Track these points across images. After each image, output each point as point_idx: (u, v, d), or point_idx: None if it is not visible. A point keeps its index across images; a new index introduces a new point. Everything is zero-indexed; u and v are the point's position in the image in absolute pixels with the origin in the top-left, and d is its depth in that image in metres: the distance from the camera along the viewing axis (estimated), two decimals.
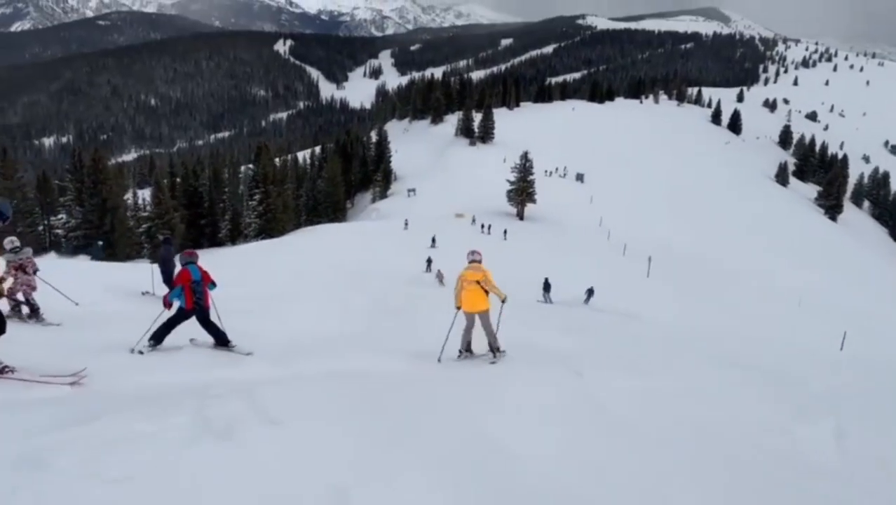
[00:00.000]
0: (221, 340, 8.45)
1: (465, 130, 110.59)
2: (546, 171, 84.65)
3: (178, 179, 60.42)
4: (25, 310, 9.43)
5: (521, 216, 64.24)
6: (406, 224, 53.04)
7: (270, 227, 56.34)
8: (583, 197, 77.58)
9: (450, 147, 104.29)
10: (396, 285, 24.54)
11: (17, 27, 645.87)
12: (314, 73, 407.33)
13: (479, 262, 8.99)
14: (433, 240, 44.15)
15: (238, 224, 61.40)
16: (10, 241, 9.73)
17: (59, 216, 51.98)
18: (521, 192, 64.10)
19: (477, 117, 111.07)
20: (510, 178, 64.99)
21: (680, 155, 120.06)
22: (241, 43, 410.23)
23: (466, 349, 9.04)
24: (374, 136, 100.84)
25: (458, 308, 8.92)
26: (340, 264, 31.57)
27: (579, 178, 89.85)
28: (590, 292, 30.97)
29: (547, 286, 29.35)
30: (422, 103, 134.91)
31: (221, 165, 69.39)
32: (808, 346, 29.56)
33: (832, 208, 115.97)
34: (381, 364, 8.40)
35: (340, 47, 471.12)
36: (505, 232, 50.83)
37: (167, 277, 12.83)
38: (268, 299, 14.06)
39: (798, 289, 49.11)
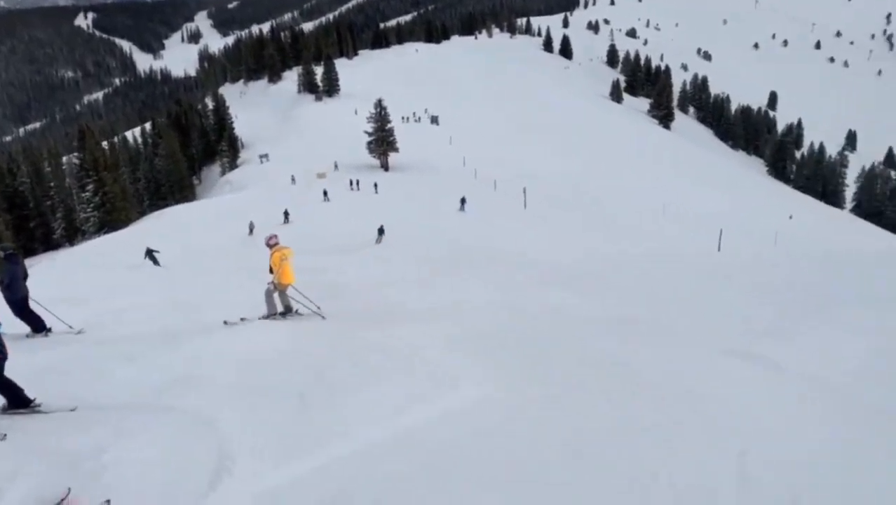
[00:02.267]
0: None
1: (308, 86, 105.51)
2: (403, 118, 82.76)
3: None
4: None
5: (385, 167, 62.26)
6: (293, 179, 54.39)
7: (112, 219, 50.37)
8: (441, 139, 76.68)
9: (296, 105, 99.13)
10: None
11: None
12: (125, 45, 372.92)
13: (275, 245, 10.27)
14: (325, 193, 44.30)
15: (73, 221, 54.52)
16: None
17: None
18: (382, 141, 61.90)
19: (318, 71, 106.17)
20: (367, 128, 62.53)
21: (523, 85, 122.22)
22: (35, 21, 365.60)
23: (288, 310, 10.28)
24: (209, 104, 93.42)
25: (285, 283, 10.04)
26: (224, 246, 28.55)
27: (434, 120, 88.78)
28: (462, 201, 39.57)
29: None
30: (255, 62, 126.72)
31: (41, 159, 60.95)
32: (694, 251, 30.93)
33: (665, 118, 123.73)
34: None
35: (150, 14, 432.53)
36: (375, 185, 48.87)
37: (19, 307, 8.83)
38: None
39: (659, 199, 51.64)
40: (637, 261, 17.38)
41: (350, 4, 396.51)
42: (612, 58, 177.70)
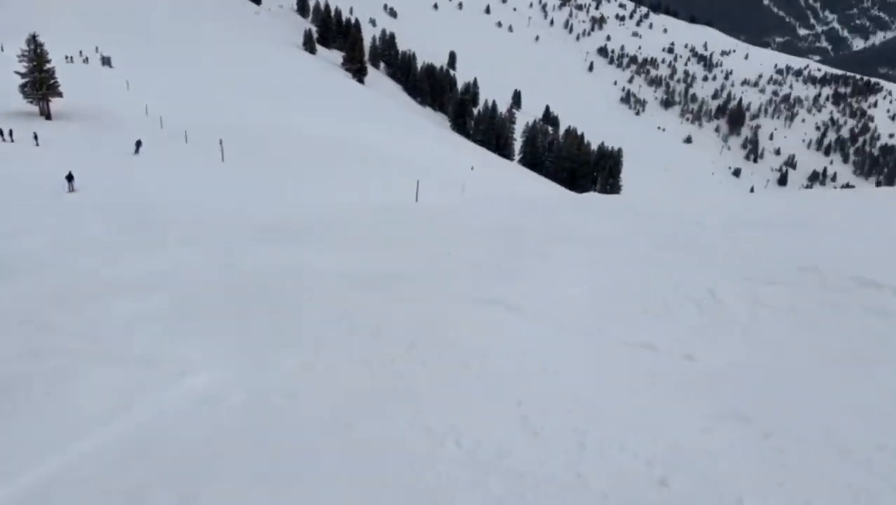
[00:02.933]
0: None
1: None
2: (66, 57, 71.25)
3: None
4: None
5: (47, 115, 53.00)
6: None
7: None
8: (116, 84, 67.95)
9: None
10: None
11: None
12: None
13: None
14: None
15: None
16: None
17: None
18: (41, 84, 52.52)
19: None
20: (20, 69, 52.50)
21: (212, 29, 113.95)
22: None
23: None
24: None
25: None
26: None
27: (106, 62, 78.06)
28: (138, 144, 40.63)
29: (70, 177, 28.07)
30: None
31: None
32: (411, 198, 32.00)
33: (358, 71, 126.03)
34: None
35: None
36: (35, 136, 41.42)
37: None
38: None
39: (366, 147, 52.65)
40: (356, 214, 17.12)
41: None
42: (302, 6, 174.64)
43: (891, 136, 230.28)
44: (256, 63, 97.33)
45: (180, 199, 24.90)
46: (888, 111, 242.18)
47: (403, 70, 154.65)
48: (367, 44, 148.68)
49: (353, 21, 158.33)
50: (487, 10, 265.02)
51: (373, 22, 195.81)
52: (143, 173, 33.28)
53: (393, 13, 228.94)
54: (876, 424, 4.76)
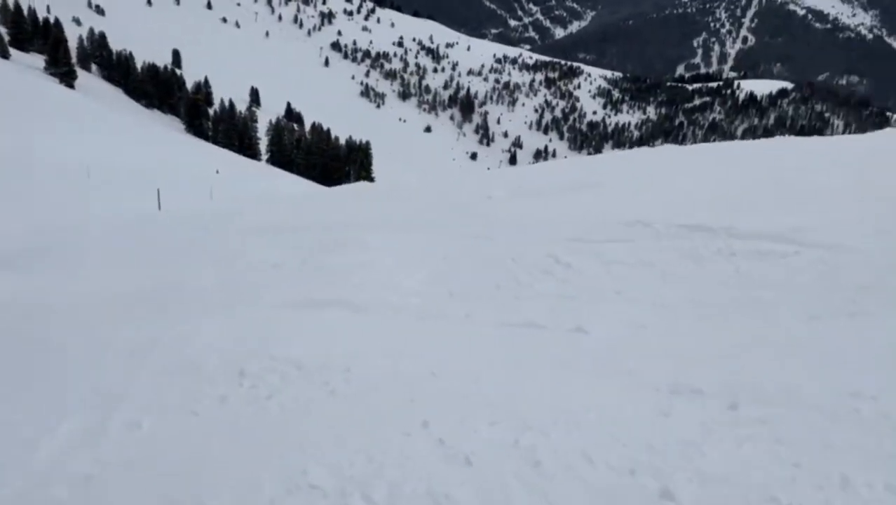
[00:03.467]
0: None
1: None
2: None
3: None
4: None
5: None
6: None
7: None
8: None
9: None
10: None
11: None
12: None
13: None
14: None
15: None
16: None
17: None
18: None
19: None
20: None
21: None
22: None
23: None
24: None
25: None
26: None
27: None
28: None
29: None
30: None
31: None
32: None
33: (66, 75, 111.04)
34: None
35: None
36: None
37: None
38: None
39: (76, 161, 45.54)
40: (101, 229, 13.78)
41: None
42: None
43: (594, 113, 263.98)
44: None
45: None
46: (589, 91, 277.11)
47: (121, 72, 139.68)
48: (73, 45, 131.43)
49: (52, 20, 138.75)
50: (209, 6, 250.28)
51: (77, 21, 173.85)
52: None
53: (100, 10, 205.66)
54: (821, 370, 4.05)
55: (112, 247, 11.60)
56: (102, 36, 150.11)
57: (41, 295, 7.95)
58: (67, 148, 52.69)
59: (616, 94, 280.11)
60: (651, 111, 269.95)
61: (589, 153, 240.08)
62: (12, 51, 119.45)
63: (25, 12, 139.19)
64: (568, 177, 14.16)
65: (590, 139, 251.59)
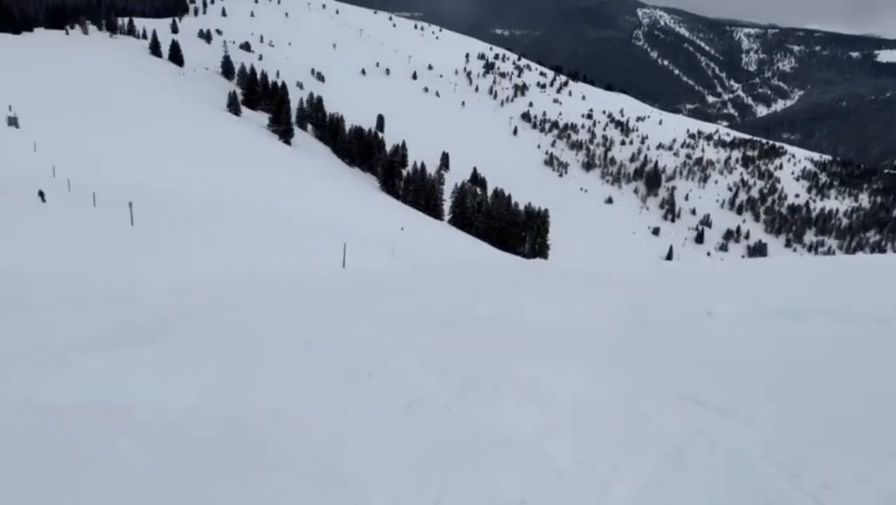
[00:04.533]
0: None
1: None
2: None
3: None
4: None
5: None
6: None
7: None
8: (23, 144, 64.09)
9: None
10: None
11: None
12: None
13: None
14: None
15: None
16: None
17: None
18: None
19: None
20: None
21: (130, 89, 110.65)
22: None
23: None
24: None
25: None
26: None
27: (13, 122, 73.88)
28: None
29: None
30: None
31: None
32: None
33: (285, 133, 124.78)
34: None
35: None
36: None
37: None
38: None
39: (283, 210, 50.73)
40: (268, 285, 15.15)
41: None
42: (227, 69, 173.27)
43: (796, 196, 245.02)
44: (177, 124, 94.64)
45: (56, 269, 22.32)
46: (792, 173, 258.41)
47: (331, 132, 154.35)
48: (293, 106, 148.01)
49: (279, 84, 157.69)
50: (414, 76, 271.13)
51: (300, 85, 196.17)
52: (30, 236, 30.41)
53: (321, 77, 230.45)
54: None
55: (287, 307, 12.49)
56: (320, 100, 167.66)
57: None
58: (278, 198, 58.90)
59: (823, 177, 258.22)
60: (864, 199, 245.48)
61: (788, 239, 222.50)
62: (244, 109, 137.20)
63: (259, 75, 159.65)
64: (834, 286, 10.79)
65: (789, 223, 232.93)
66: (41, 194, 39.50)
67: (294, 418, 5.41)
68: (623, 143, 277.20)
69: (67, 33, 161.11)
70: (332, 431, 5.15)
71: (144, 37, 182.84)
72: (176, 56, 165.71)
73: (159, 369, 7.20)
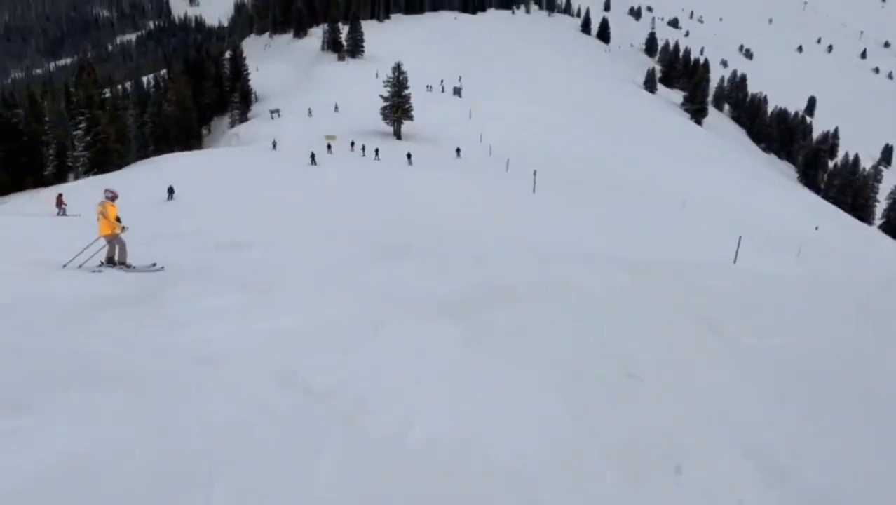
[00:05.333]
0: None
1: (333, 44, 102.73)
2: (428, 87, 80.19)
3: None
4: None
5: (398, 135, 59.76)
6: (274, 145, 49.19)
7: (103, 161, 48.10)
8: (461, 112, 73.86)
9: (317, 63, 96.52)
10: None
11: None
12: None
13: (111, 199, 10.44)
14: (312, 156, 41.79)
15: (65, 159, 52.41)
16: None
17: None
18: (397, 108, 59.31)
19: (344, 30, 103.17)
20: (383, 93, 59.90)
21: (556, 65, 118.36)
22: None
23: (108, 262, 10.41)
24: (227, 54, 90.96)
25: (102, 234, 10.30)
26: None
27: (457, 92, 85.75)
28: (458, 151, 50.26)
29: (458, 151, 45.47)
30: (282, 16, 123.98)
31: (40, 92, 58.73)
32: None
33: (697, 112, 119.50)
34: None
35: None
36: (376, 151, 46.40)
37: None
38: None
39: (677, 192, 48.74)
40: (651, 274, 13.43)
41: None
42: (650, 46, 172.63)
43: None
44: (591, 96, 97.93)
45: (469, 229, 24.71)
46: None
47: (750, 113, 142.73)
48: (712, 85, 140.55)
49: (701, 61, 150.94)
50: (864, 55, 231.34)
51: (724, 63, 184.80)
52: (461, 192, 34.52)
53: (748, 54, 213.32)
54: None
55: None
56: (743, 79, 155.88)
57: None
58: (676, 179, 56.85)
59: None
60: None
61: None
62: (660, 86, 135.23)
63: (681, 52, 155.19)
64: None
65: None
66: (458, 150, 45.22)
67: None
68: None
69: (513, 13, 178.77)
70: None
71: (578, 15, 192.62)
72: (603, 33, 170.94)
73: None
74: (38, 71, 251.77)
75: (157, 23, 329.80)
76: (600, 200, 40.86)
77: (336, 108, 67.74)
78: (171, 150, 61.81)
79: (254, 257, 11.72)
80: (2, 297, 7.04)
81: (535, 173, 41.85)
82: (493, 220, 27.58)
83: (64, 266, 9.73)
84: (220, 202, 27.53)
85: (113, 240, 10.26)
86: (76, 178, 48.11)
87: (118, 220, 10.26)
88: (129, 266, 10.23)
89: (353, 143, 49.71)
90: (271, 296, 7.80)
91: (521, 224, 27.72)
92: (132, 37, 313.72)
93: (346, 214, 24.90)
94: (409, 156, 44.97)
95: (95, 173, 45.10)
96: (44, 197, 32.57)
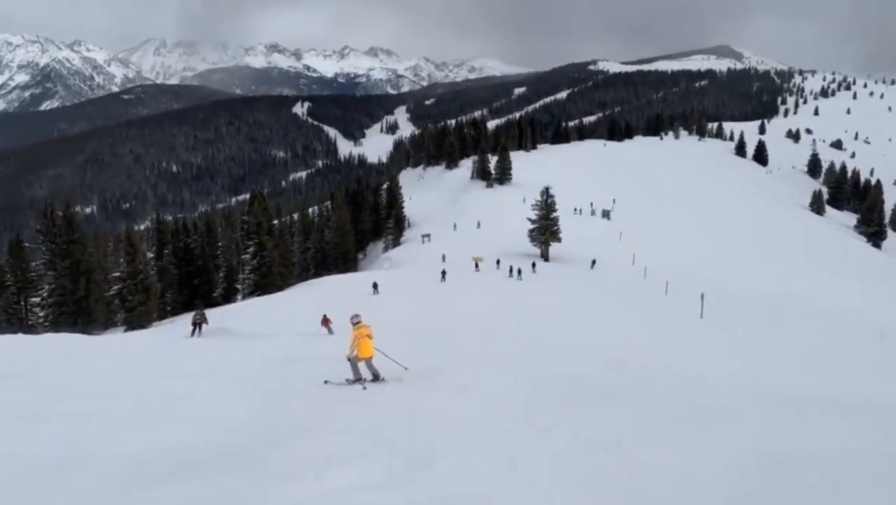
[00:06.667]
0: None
1: (481, 173, 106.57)
2: (576, 209, 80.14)
3: (169, 236, 55.84)
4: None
5: (545, 256, 59.10)
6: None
7: (266, 283, 51.21)
8: (611, 234, 72.36)
9: (466, 190, 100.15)
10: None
11: (46, 106, 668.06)
12: (332, 132, 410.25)
13: (357, 323, 11.92)
14: (443, 273, 42.70)
15: (233, 281, 56.66)
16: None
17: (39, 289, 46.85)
18: (545, 230, 59.06)
19: (493, 160, 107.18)
20: (531, 216, 60.16)
21: (710, 189, 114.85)
22: (260, 107, 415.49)
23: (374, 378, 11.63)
24: (385, 184, 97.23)
25: (362, 356, 11.51)
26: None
27: (605, 215, 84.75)
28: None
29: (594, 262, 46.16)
30: (435, 149, 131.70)
31: (215, 219, 65.19)
32: None
33: (875, 235, 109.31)
34: None
35: (357, 106, 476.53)
36: (519, 271, 45.74)
37: None
38: None
39: (869, 322, 43.15)
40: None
41: (537, 104, 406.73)
42: (813, 168, 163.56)
43: None
44: (751, 219, 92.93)
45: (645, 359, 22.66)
46: None
47: None
48: (888, 206, 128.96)
49: (872, 182, 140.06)
50: None
51: None
52: (621, 320, 32.55)
53: None
54: None
55: None
56: None
57: None
58: (861, 306, 50.94)
59: None
60: None
61: None
62: (828, 208, 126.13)
63: (849, 174, 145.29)
64: None
65: None
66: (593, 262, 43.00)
67: None
68: None
69: (661, 139, 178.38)
70: None
71: (731, 139, 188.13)
72: (760, 156, 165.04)
73: None
74: (220, 205, 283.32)
75: (325, 161, 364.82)
76: (785, 330, 36.72)
77: (478, 224, 70.22)
78: (329, 273, 65.18)
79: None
80: None
81: (702, 297, 38.83)
82: (665, 351, 25.06)
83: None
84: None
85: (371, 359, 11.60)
86: (242, 298, 51.49)
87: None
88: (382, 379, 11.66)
89: (498, 262, 49.68)
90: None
91: (710, 358, 24.75)
92: (303, 174, 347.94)
93: (499, 337, 23.69)
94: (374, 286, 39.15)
95: (259, 294, 47.99)
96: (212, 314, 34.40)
